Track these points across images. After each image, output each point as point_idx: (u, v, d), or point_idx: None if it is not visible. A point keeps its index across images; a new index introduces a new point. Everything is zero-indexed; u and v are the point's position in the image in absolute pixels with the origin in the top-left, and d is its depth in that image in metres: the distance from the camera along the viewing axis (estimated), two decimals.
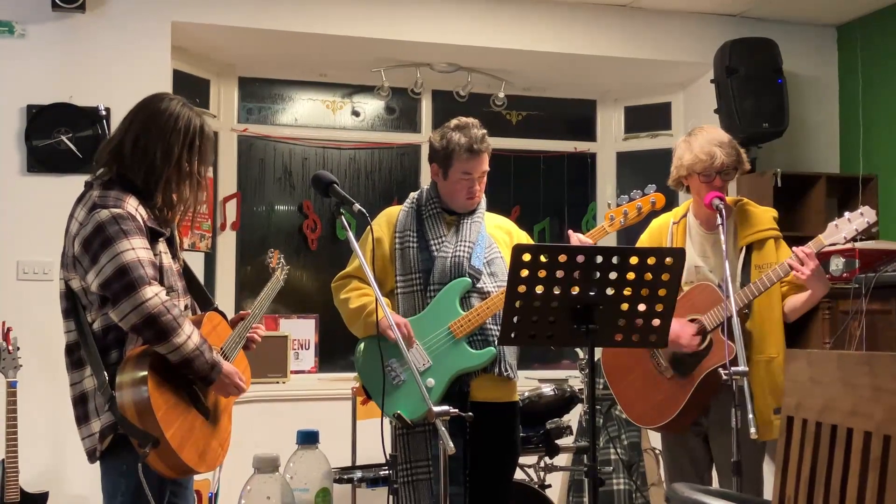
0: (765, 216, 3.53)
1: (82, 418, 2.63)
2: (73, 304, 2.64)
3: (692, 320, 3.42)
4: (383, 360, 3.08)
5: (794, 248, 3.31)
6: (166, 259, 2.70)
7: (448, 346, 3.33)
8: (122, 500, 2.61)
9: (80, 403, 2.63)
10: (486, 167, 3.45)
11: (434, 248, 3.42)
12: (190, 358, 2.57)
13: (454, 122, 3.48)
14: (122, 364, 2.55)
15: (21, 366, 4.07)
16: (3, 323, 4.17)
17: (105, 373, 2.55)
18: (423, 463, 3.34)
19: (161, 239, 2.69)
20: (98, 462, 2.64)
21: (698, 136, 3.50)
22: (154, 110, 2.71)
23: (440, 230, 3.46)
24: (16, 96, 4.70)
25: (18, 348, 4.10)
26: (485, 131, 3.45)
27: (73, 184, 2.78)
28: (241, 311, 3.06)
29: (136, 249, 2.53)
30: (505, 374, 3.37)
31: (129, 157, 2.66)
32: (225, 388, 2.72)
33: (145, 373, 2.51)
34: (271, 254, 3.50)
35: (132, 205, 2.61)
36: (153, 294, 2.50)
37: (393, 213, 3.54)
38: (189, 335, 2.56)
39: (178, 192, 2.72)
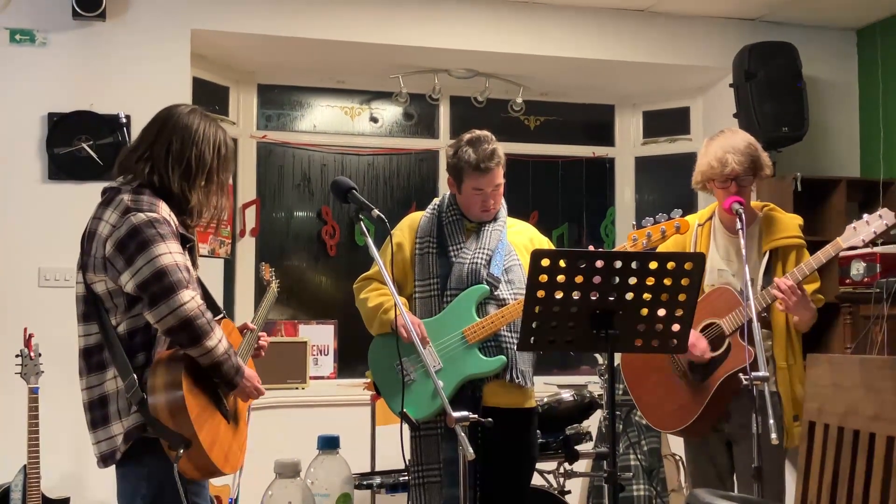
0: (791, 223, 3.50)
1: (100, 421, 2.63)
2: (94, 308, 2.65)
3: (710, 325, 3.42)
4: (400, 357, 3.07)
5: (775, 280, 3.29)
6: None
7: (460, 351, 3.33)
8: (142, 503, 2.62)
9: (99, 406, 2.63)
10: (500, 181, 3.43)
11: (452, 254, 3.43)
12: (220, 361, 2.63)
13: (467, 135, 3.46)
14: (153, 366, 2.58)
15: (43, 372, 4.09)
16: (25, 329, 4.19)
17: (134, 375, 2.57)
18: (435, 466, 3.35)
19: (187, 246, 2.73)
20: (114, 466, 2.64)
21: (717, 140, 3.47)
22: (182, 120, 2.77)
23: (459, 236, 3.47)
24: (37, 104, 4.73)
25: (40, 354, 4.12)
26: (495, 146, 3.41)
27: (94, 191, 2.80)
28: (245, 323, 3.10)
29: (173, 254, 2.57)
30: (517, 380, 3.35)
31: (163, 164, 2.71)
32: (246, 392, 2.78)
33: (180, 375, 2.55)
34: (262, 267, 3.59)
35: (165, 210, 2.66)
36: (190, 297, 2.54)
37: (415, 219, 3.56)
38: (220, 339, 2.62)
39: (207, 199, 2.79)
